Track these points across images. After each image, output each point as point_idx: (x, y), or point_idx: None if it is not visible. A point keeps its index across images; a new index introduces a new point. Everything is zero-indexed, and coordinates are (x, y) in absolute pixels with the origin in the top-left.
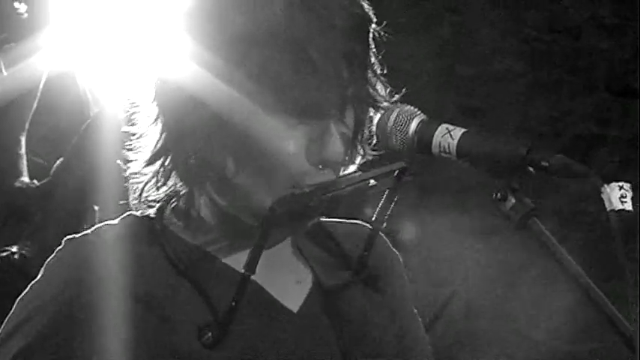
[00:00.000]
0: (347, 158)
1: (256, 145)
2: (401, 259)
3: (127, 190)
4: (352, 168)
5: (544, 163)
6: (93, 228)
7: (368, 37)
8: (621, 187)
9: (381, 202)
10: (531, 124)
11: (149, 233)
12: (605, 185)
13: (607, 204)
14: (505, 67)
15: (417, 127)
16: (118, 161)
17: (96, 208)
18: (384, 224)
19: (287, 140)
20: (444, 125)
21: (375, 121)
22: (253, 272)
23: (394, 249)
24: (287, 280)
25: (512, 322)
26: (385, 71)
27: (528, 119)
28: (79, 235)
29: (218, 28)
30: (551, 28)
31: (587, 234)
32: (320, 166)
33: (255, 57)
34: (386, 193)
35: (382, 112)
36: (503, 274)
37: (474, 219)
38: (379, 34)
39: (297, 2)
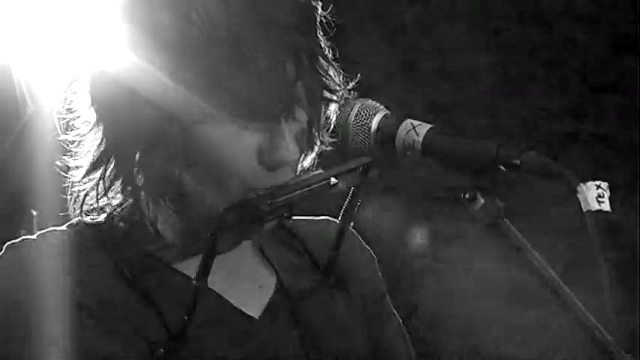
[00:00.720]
0: (305, 154)
1: (202, 148)
2: (374, 257)
3: (66, 196)
4: (310, 158)
5: (516, 161)
6: (37, 233)
7: (314, 27)
8: (598, 187)
9: (347, 199)
10: (501, 121)
11: (97, 241)
12: (582, 184)
13: (583, 204)
14: (471, 61)
15: (380, 122)
16: (58, 162)
17: (34, 212)
18: (352, 222)
19: (234, 143)
20: (409, 121)
21: (335, 117)
22: (205, 283)
23: (366, 246)
24: (248, 286)
25: (475, 337)
26: (338, 57)
27: (498, 116)
28: (21, 239)
29: (151, 30)
30: (521, 18)
31: (561, 237)
32: (274, 168)
33: (191, 56)
34: (351, 190)
35: (342, 107)
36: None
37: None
38: (331, 21)
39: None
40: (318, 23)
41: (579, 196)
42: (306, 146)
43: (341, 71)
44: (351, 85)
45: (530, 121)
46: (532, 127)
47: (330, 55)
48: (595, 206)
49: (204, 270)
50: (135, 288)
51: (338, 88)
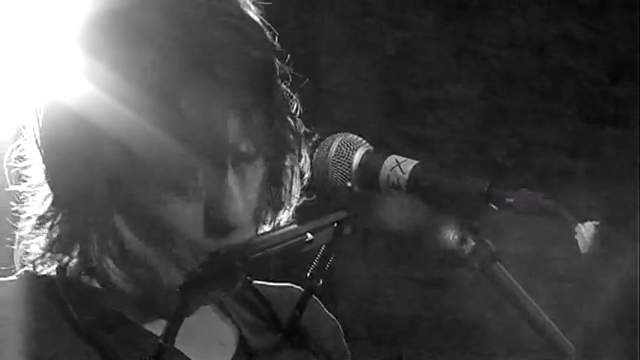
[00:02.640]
0: (264, 210)
1: (147, 218)
2: (339, 326)
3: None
4: (285, 215)
5: (509, 200)
6: None
7: (267, 81)
8: (597, 227)
9: (317, 257)
10: (491, 155)
11: (49, 293)
12: (580, 224)
13: (581, 246)
14: (459, 90)
15: (362, 158)
16: (11, 203)
17: None
18: (320, 282)
19: (181, 216)
20: (393, 157)
21: (314, 153)
22: (172, 343)
23: (330, 314)
24: (209, 342)
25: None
26: (299, 110)
27: (487, 150)
28: None
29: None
30: (512, 44)
31: (556, 282)
32: (223, 234)
33: (130, 116)
34: (322, 247)
35: (321, 141)
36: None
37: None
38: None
39: (176, 50)
40: (276, 77)
41: (577, 237)
42: (267, 205)
43: (302, 125)
44: (314, 138)
45: (522, 156)
46: (525, 162)
47: (294, 107)
48: (594, 247)
49: (172, 330)
50: (92, 343)
51: (297, 143)
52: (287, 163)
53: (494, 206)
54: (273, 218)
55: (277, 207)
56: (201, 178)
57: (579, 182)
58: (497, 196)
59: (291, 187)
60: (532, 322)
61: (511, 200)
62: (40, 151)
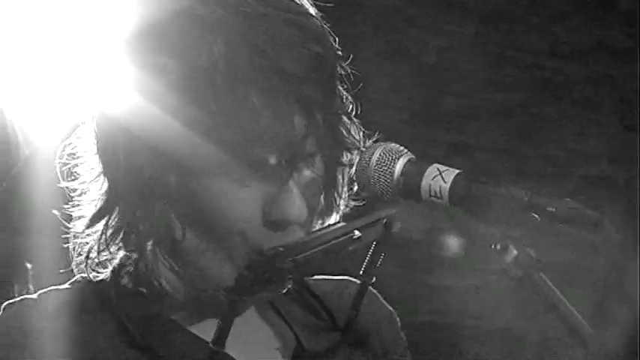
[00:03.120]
0: (321, 211)
1: (201, 206)
2: (396, 316)
3: (67, 249)
4: (333, 218)
5: (550, 209)
6: (39, 292)
7: (330, 79)
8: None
9: (368, 255)
10: (531, 164)
11: (102, 300)
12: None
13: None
14: (500, 99)
15: (404, 167)
16: (54, 212)
17: (29, 265)
18: (374, 279)
19: (236, 201)
20: (435, 166)
21: (355, 162)
22: (223, 347)
23: (387, 305)
24: (263, 347)
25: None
26: (359, 111)
27: (527, 159)
28: (20, 298)
29: (154, 75)
30: (554, 53)
31: (597, 292)
32: (279, 228)
33: (195, 108)
34: (373, 245)
35: (363, 151)
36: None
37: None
38: (349, 69)
39: (241, 45)
40: (337, 76)
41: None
42: (320, 206)
43: (362, 128)
44: (369, 142)
45: (563, 165)
46: (566, 171)
47: (351, 110)
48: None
49: (223, 334)
50: (144, 351)
51: (355, 145)
52: (341, 166)
53: (535, 215)
54: (324, 220)
55: (329, 209)
56: (266, 169)
57: (619, 191)
58: (538, 205)
59: (342, 190)
60: (574, 333)
61: (553, 209)
62: (97, 145)
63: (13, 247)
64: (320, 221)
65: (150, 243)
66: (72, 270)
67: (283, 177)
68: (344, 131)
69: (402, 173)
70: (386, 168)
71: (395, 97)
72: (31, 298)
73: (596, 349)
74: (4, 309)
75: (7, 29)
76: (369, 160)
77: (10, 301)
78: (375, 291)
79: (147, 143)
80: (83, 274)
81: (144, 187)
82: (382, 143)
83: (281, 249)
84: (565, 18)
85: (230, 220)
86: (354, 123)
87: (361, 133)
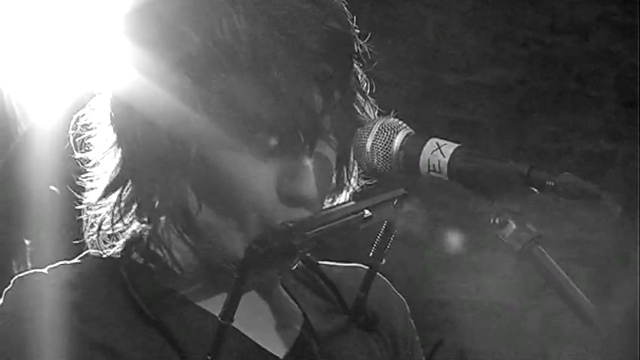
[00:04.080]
0: (332, 189)
1: (218, 179)
2: (406, 303)
3: (65, 225)
4: (344, 197)
5: (550, 183)
6: (49, 267)
7: (349, 58)
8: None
9: (379, 235)
10: (530, 140)
11: (112, 276)
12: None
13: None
14: (498, 74)
15: (403, 141)
16: (52, 187)
17: (27, 242)
18: (383, 260)
19: (252, 173)
20: (434, 140)
21: (355, 137)
22: (231, 321)
23: (398, 293)
24: (272, 324)
25: None
26: (374, 90)
27: (527, 135)
28: (31, 272)
29: (173, 46)
30: (553, 28)
31: (599, 267)
32: (294, 204)
33: (214, 80)
34: (384, 225)
35: (361, 126)
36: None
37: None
38: (360, 47)
39: (261, 19)
40: (354, 54)
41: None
42: (332, 185)
43: (377, 107)
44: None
45: (562, 141)
46: (565, 147)
47: (366, 89)
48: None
49: (231, 308)
50: (154, 325)
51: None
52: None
53: (535, 189)
54: (334, 199)
55: (340, 187)
56: (285, 145)
57: (619, 167)
58: (538, 179)
59: (353, 168)
60: (574, 308)
61: (552, 183)
62: (112, 116)
63: (11, 223)
64: (330, 199)
65: (164, 215)
66: (77, 245)
67: (300, 153)
68: (358, 109)
69: (401, 147)
70: (384, 142)
71: (393, 74)
72: (42, 272)
73: (598, 324)
74: (14, 283)
75: (4, 4)
76: (368, 136)
77: (20, 275)
78: (386, 279)
79: (166, 114)
80: (93, 250)
81: (162, 158)
82: (381, 117)
83: (290, 224)
84: None
85: (247, 194)
86: (369, 101)
87: (376, 112)
